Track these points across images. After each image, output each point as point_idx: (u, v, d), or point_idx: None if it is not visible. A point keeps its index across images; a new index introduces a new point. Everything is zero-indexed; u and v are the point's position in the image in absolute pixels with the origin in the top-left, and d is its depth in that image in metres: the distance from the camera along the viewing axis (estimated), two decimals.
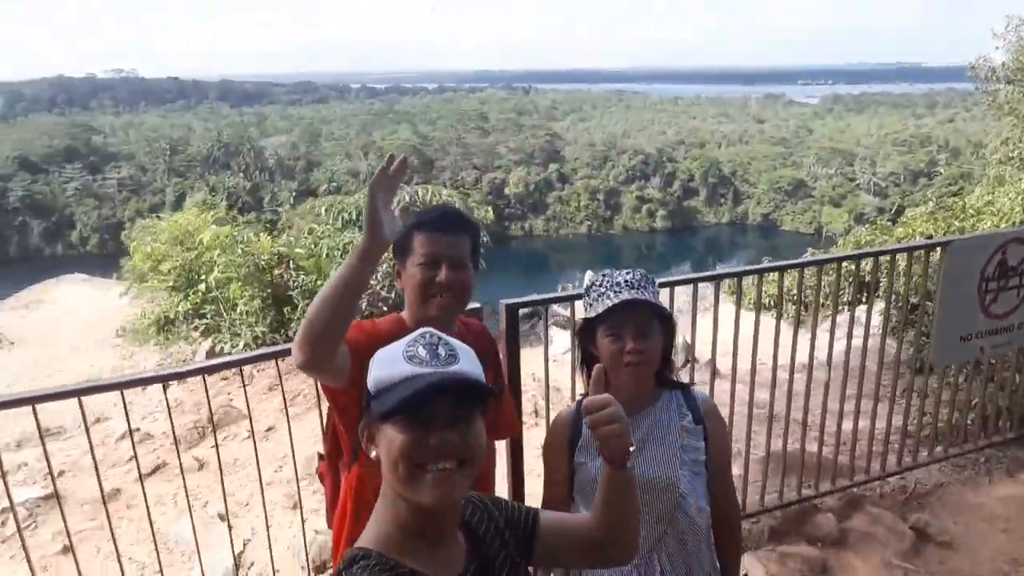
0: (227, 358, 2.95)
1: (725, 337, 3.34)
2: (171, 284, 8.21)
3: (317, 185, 70.62)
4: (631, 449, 1.41)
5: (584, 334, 2.05)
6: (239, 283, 7.28)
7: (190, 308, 7.76)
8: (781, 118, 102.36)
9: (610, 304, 1.92)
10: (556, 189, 75.03)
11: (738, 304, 3.37)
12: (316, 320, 1.65)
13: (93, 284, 10.63)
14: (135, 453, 2.97)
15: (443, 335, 1.29)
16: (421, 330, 1.29)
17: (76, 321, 9.15)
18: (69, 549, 4.45)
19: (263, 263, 7.26)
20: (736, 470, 4.12)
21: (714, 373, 3.66)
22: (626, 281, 1.96)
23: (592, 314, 1.98)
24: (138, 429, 5.71)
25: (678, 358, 7.64)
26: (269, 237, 7.80)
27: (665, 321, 2.00)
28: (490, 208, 9.18)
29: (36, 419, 2.31)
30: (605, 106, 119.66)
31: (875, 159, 72.04)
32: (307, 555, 3.57)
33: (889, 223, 9.76)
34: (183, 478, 3.18)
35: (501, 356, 2.64)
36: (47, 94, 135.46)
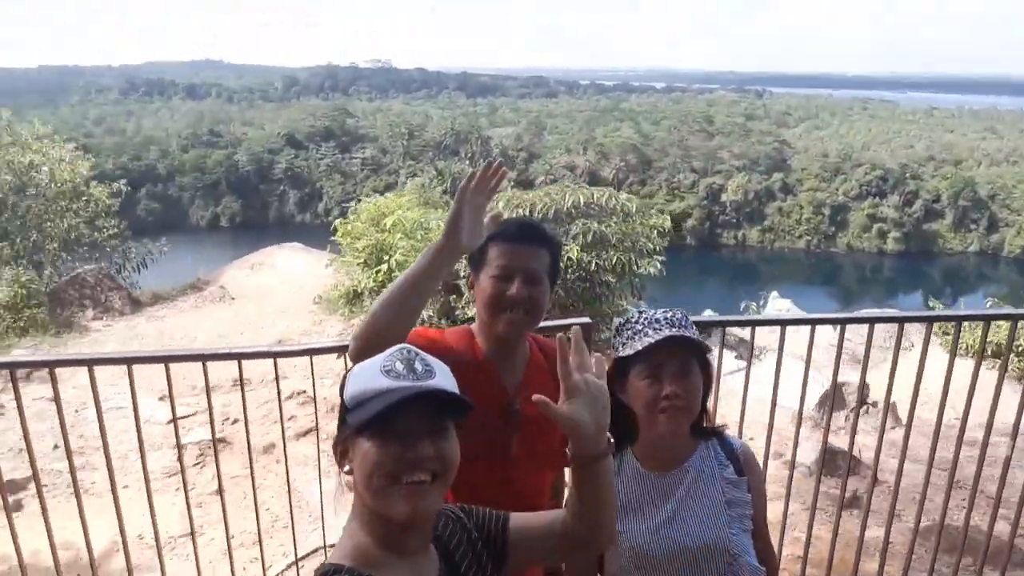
0: (338, 342, 3.10)
1: (910, 382, 2.96)
2: (363, 260, 8.90)
3: (535, 176, 72.83)
4: (607, 447, 1.37)
5: (614, 378, 1.84)
6: None
7: (375, 285, 8.35)
8: None
9: (650, 341, 1.74)
10: (777, 199, 70.60)
11: (952, 350, 2.91)
12: (379, 315, 1.67)
13: (308, 253, 11.91)
14: (281, 414, 3.22)
15: (420, 351, 1.28)
16: (399, 346, 1.29)
17: (287, 285, 10.29)
18: (223, 490, 4.99)
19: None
20: (899, 536, 3.63)
21: (883, 417, 3.21)
22: (666, 319, 1.80)
23: (628, 352, 1.80)
24: (304, 391, 6.25)
25: (850, 399, 6.87)
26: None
27: (705, 365, 1.82)
28: (668, 217, 8.84)
29: (168, 376, 2.60)
30: (846, 114, 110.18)
31: None
32: None
33: None
34: (318, 442, 3.42)
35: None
36: (317, 80, 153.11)
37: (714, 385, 3.01)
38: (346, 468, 1.26)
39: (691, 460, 1.87)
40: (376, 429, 1.19)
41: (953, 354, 2.93)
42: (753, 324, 3.34)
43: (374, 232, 8.71)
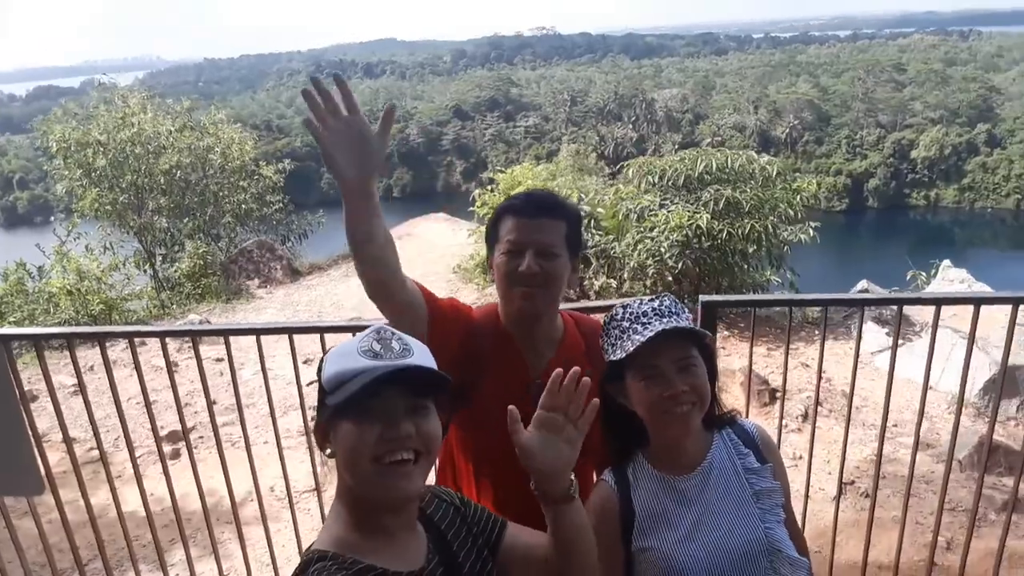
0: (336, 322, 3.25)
1: None
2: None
3: (701, 138, 70.07)
4: (565, 494, 1.33)
5: (608, 383, 1.68)
6: None
7: None
8: None
9: (640, 340, 1.56)
10: (980, 153, 62.57)
11: None
12: (362, 269, 1.70)
13: (450, 223, 12.32)
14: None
15: (397, 331, 1.28)
16: (376, 326, 1.29)
17: (431, 254, 10.77)
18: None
19: None
20: None
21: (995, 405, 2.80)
22: (654, 309, 1.62)
23: (619, 355, 1.62)
24: None
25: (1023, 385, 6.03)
26: (577, 192, 8.09)
27: (705, 349, 1.65)
28: (816, 182, 8.16)
29: (292, 345, 2.85)
30: None
31: None
32: None
33: None
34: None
35: None
36: (483, 51, 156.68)
37: (854, 363, 2.67)
38: (328, 451, 1.25)
39: (709, 456, 1.70)
40: (355, 410, 1.18)
41: None
42: (900, 303, 2.92)
43: (496, 201, 8.86)
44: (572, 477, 1.34)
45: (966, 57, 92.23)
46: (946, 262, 9.32)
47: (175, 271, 10.70)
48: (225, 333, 3.05)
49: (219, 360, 6.72)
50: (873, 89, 71.72)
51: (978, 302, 2.50)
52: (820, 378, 2.65)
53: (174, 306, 9.87)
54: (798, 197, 7.54)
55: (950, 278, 9.06)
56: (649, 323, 1.58)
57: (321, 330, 2.96)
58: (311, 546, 1.23)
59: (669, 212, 7.21)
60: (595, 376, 1.73)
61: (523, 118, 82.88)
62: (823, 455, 5.17)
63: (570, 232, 1.84)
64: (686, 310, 1.66)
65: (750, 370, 3.14)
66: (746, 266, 7.58)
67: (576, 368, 1.34)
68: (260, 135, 15.79)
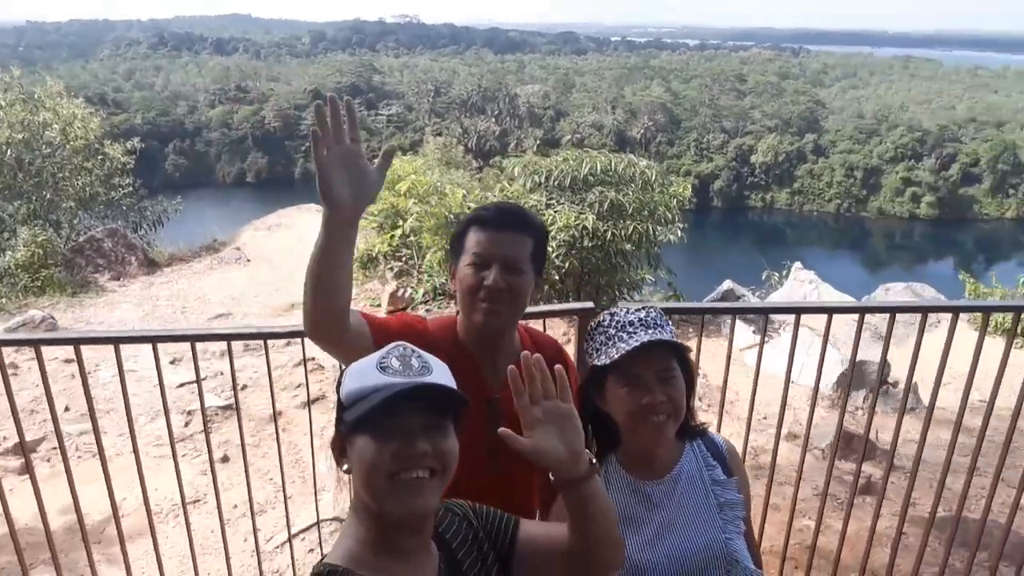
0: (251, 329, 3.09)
1: (933, 363, 2.78)
2: (378, 224, 8.82)
3: (562, 135, 72.02)
4: (589, 468, 1.31)
5: (590, 386, 1.73)
6: (430, 233, 7.61)
7: (389, 249, 8.29)
8: None
9: (626, 349, 1.61)
10: (808, 161, 69.02)
11: (980, 336, 2.74)
12: (306, 297, 1.59)
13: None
14: (308, 389, 3.17)
15: (417, 349, 1.27)
16: (395, 343, 1.27)
17: (303, 247, 10.25)
18: (227, 459, 5.03)
19: (452, 216, 7.50)
20: (913, 529, 3.52)
21: (903, 398, 3.06)
22: (640, 320, 1.67)
23: (603, 361, 1.67)
24: (313, 358, 6.24)
25: (870, 379, 6.69)
26: (462, 190, 8.01)
27: (685, 363, 1.70)
28: (690, 185, 8.61)
29: (156, 354, 2.53)
30: (885, 73, 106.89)
31: None
32: None
33: None
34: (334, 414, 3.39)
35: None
36: (344, 35, 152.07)
37: (727, 361, 2.88)
38: (344, 467, 1.24)
39: (679, 465, 1.76)
40: (373, 426, 1.18)
41: (980, 343, 2.75)
42: (766, 312, 3.14)
43: (388, 195, 8.60)
44: (588, 451, 1.33)
45: (797, 72, 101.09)
46: (797, 264, 10.25)
47: (8, 261, 9.46)
48: (76, 342, 2.65)
49: (68, 361, 6.05)
50: (718, 96, 76.92)
51: (831, 311, 2.80)
52: (698, 375, 2.85)
53: (4, 300, 8.75)
54: (674, 200, 7.90)
55: (800, 278, 9.95)
56: (635, 332, 1.63)
57: (191, 338, 2.73)
58: (322, 559, 1.23)
59: (556, 212, 7.33)
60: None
61: (386, 106, 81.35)
62: None
63: (536, 248, 1.81)
64: (669, 323, 1.71)
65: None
66: (626, 265, 7.84)
67: (524, 353, 1.32)
68: (95, 110, 14.29)
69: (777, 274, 10.40)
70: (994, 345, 2.80)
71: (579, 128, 72.71)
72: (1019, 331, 6.24)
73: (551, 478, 1.33)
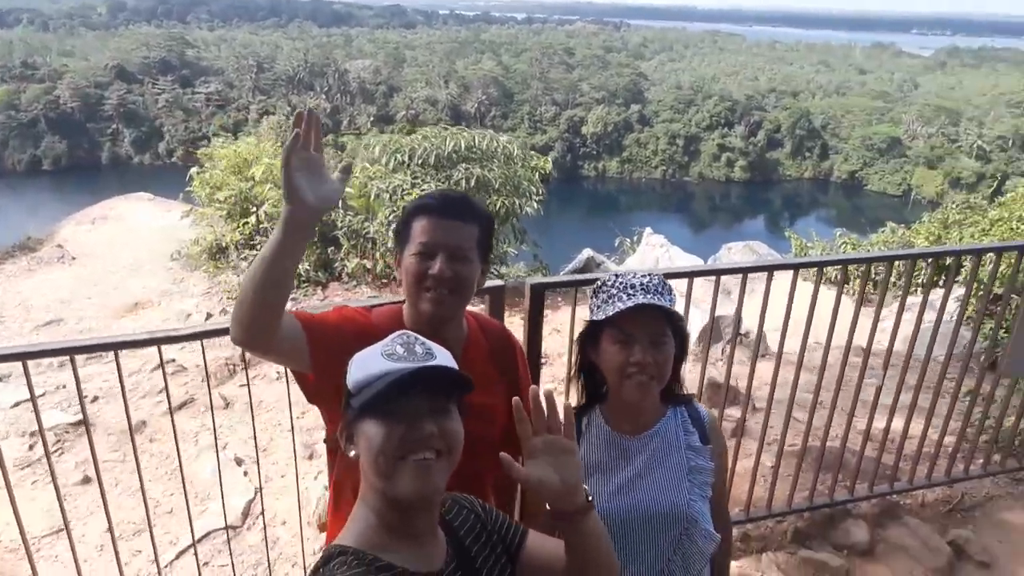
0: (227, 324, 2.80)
1: (779, 313, 3.04)
2: (227, 212, 8.22)
3: (396, 111, 70.84)
4: (584, 504, 1.33)
5: (587, 338, 1.82)
6: None
7: (241, 238, 7.77)
8: (886, 70, 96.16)
9: (621, 307, 1.69)
10: (635, 131, 73.00)
11: (815, 289, 3.01)
12: (244, 299, 1.53)
13: (157, 204, 10.79)
14: (169, 400, 2.86)
15: (420, 337, 1.31)
16: (399, 332, 1.32)
17: (137, 240, 9.34)
18: (90, 479, 4.53)
19: None
20: (768, 461, 3.85)
21: (755, 348, 3.32)
22: (641, 284, 1.73)
23: (600, 316, 1.74)
24: (173, 360, 5.75)
25: (726, 332, 7.25)
26: None
27: (679, 331, 1.78)
28: (549, 160, 8.81)
29: (27, 372, 2.19)
30: (698, 47, 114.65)
31: (984, 120, 67.01)
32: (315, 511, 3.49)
33: (983, 201, 8.92)
34: (212, 417, 3.11)
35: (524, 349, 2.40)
36: (147, 5, 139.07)
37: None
38: (352, 452, 1.27)
39: (658, 425, 1.86)
40: (379, 411, 1.21)
41: (815, 295, 3.07)
42: (717, 273, 3.25)
43: (236, 181, 8.03)
44: (584, 486, 1.35)
45: (619, 46, 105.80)
46: (648, 229, 10.82)
47: None
48: None
49: None
50: (548, 70, 78.94)
51: (691, 275, 3.04)
52: (572, 342, 3.00)
53: None
54: (536, 175, 8.03)
55: (652, 243, 10.51)
56: (634, 295, 1.70)
57: (23, 356, 2.41)
58: (333, 542, 1.27)
59: (422, 191, 7.18)
60: (498, 376, 1.89)
61: (203, 84, 75.62)
62: None
63: (482, 236, 1.79)
64: (672, 291, 1.77)
65: (571, 344, 3.22)
66: (495, 240, 7.87)
67: (533, 387, 1.36)
68: None
69: (629, 240, 10.95)
70: (826, 294, 3.15)
71: (413, 103, 71.83)
72: (844, 280, 6.95)
73: (547, 508, 1.34)
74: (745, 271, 3.01)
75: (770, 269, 3.07)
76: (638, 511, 1.79)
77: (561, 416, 1.33)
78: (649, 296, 1.70)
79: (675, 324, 1.76)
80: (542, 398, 1.32)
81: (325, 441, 2.06)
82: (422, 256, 1.72)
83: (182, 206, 10.07)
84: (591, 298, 1.82)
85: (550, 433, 1.32)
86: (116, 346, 2.48)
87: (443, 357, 1.28)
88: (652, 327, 1.72)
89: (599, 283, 1.81)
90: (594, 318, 1.77)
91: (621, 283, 1.75)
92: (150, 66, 75.77)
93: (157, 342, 2.52)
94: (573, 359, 1.97)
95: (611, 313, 1.70)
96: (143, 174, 61.11)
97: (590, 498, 1.35)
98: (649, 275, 1.77)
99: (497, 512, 1.46)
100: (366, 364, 1.25)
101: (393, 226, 6.96)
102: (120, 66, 74.36)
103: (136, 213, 10.47)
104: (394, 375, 1.20)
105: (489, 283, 2.68)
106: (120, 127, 71.20)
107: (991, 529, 3.59)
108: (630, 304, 1.68)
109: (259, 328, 1.56)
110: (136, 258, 8.90)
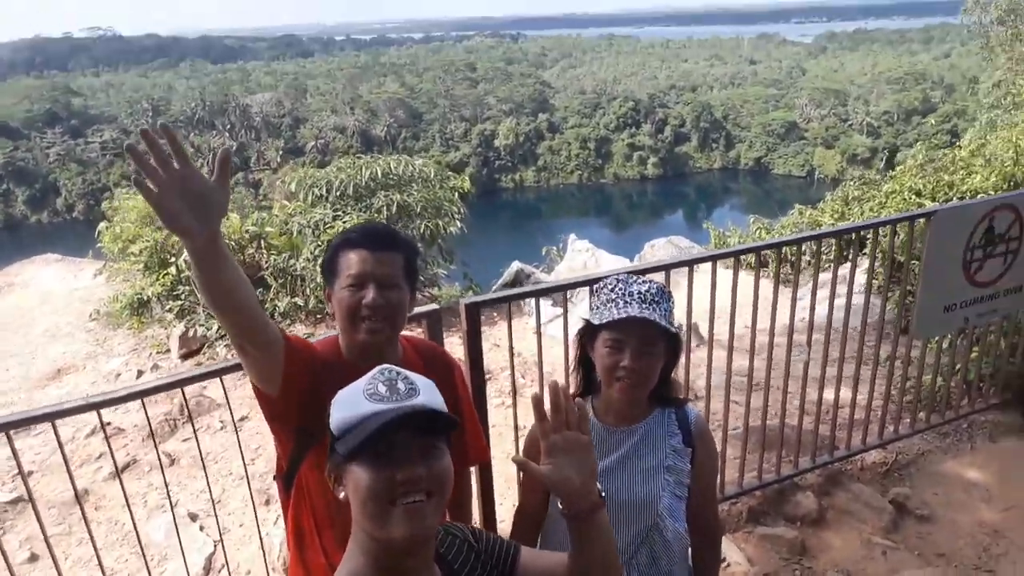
0: (167, 379, 2.79)
1: (706, 303, 3.21)
2: (144, 265, 7.97)
3: (304, 142, 69.68)
4: (599, 496, 1.35)
5: (586, 336, 1.93)
6: None
7: (163, 290, 7.55)
8: (774, 58, 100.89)
9: (616, 316, 1.79)
10: (546, 139, 74.12)
11: (734, 275, 3.19)
12: (218, 318, 1.62)
13: (66, 264, 10.29)
14: (112, 456, 2.80)
15: (402, 370, 1.28)
16: (380, 367, 1.28)
17: (49, 304, 8.92)
18: (37, 557, 4.36)
19: (233, 243, 7.03)
20: (733, 443, 4.04)
21: (687, 339, 3.52)
22: (640, 293, 1.83)
23: (596, 320, 1.85)
24: (109, 423, 5.57)
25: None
26: (238, 216, 7.52)
27: (671, 340, 1.87)
28: (467, 177, 8.92)
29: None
30: (595, 52, 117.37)
31: (868, 98, 71.17)
32: (278, 555, 3.46)
33: (878, 176, 9.52)
34: (163, 475, 3.05)
35: (463, 368, 2.49)
36: (23, 56, 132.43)
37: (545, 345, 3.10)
38: (341, 495, 1.24)
39: (644, 423, 1.95)
40: (367, 456, 1.18)
41: (735, 282, 3.28)
42: (583, 285, 3.38)
43: (150, 232, 7.80)
44: (597, 485, 1.36)
45: (520, 56, 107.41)
46: (572, 236, 11.05)
47: None
48: None
49: None
50: (453, 87, 79.19)
51: (668, 267, 3.15)
52: (513, 353, 3.11)
53: None
54: (456, 194, 8.12)
55: (578, 248, 10.75)
56: (630, 303, 1.80)
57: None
58: None
59: (345, 223, 7.16)
60: (448, 392, 1.84)
61: (96, 133, 72.42)
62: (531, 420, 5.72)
63: (408, 264, 1.87)
64: (669, 300, 1.87)
65: (511, 356, 3.31)
66: (424, 264, 7.91)
67: (552, 381, 1.36)
68: None
69: (556, 247, 11.18)
70: (748, 280, 3.36)
71: (321, 133, 70.87)
72: (761, 264, 7.32)
73: (560, 506, 1.35)
74: (668, 267, 3.14)
75: (691, 263, 3.25)
76: (611, 499, 1.82)
77: (575, 412, 1.32)
78: (645, 306, 1.79)
79: (668, 334, 1.84)
80: (560, 394, 1.30)
81: (275, 478, 2.08)
82: (353, 288, 1.78)
83: (93, 263, 9.67)
84: (592, 296, 1.97)
85: (568, 429, 1.31)
86: (53, 416, 2.40)
87: (426, 390, 1.26)
88: (643, 336, 1.80)
89: (601, 284, 1.92)
90: (591, 319, 1.88)
91: (620, 290, 1.84)
92: (35, 119, 72.10)
93: (96, 406, 2.46)
94: (572, 353, 2.03)
95: (606, 319, 1.80)
96: (43, 233, 58.13)
97: (603, 494, 1.36)
98: (648, 283, 1.86)
99: (487, 535, 1.45)
100: (349, 406, 1.23)
101: (319, 260, 6.90)
102: (3, 122, 70.45)
103: (44, 276, 9.96)
104: (378, 419, 1.18)
105: (424, 308, 2.77)
106: (11, 186, 67.37)
107: (927, 483, 3.84)
108: (623, 316, 1.78)
109: (244, 327, 1.63)
110: (52, 323, 8.51)
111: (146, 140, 1.35)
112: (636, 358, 1.81)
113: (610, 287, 1.87)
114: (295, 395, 1.78)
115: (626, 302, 1.81)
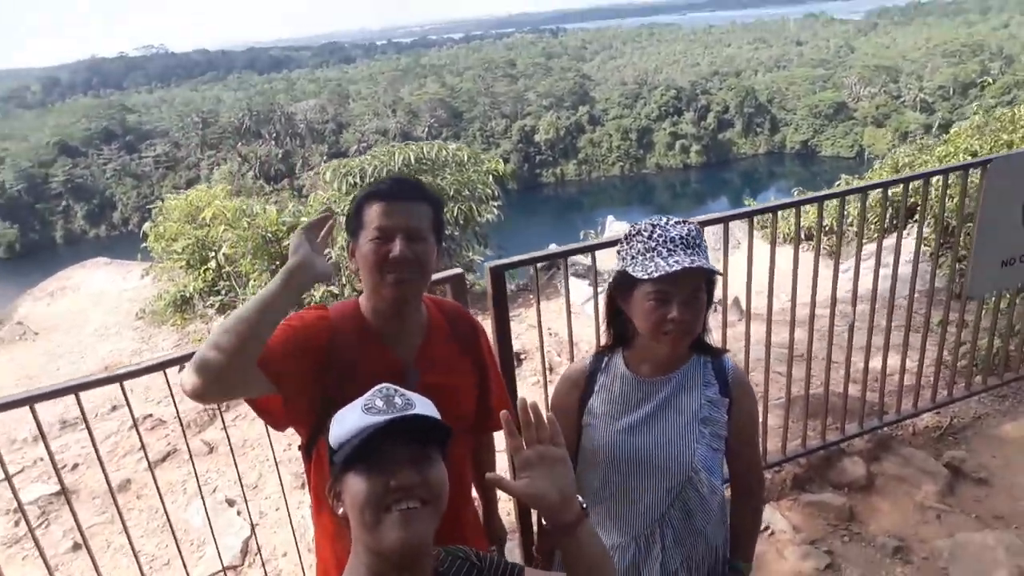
0: (189, 350, 2.75)
1: (742, 276, 3.08)
2: (186, 262, 8.13)
3: (347, 146, 70.69)
4: (580, 513, 1.32)
5: (618, 288, 1.76)
6: (249, 257, 7.14)
7: (204, 286, 7.68)
8: (821, 38, 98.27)
9: (665, 269, 1.61)
10: (587, 131, 73.64)
11: (772, 239, 3.03)
12: (222, 347, 1.48)
13: (115, 267, 10.58)
14: (142, 442, 2.80)
15: (399, 388, 1.30)
16: (378, 386, 1.30)
17: (99, 306, 9.17)
18: (80, 546, 4.43)
19: (270, 235, 7.09)
20: (776, 412, 3.85)
21: (725, 313, 3.34)
22: (681, 238, 1.66)
23: (640, 273, 1.65)
24: (150, 415, 5.66)
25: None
26: (274, 208, 7.60)
27: (710, 284, 1.75)
28: (501, 160, 8.83)
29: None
30: (636, 42, 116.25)
31: (922, 73, 68.73)
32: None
33: (932, 141, 9.09)
34: (192, 464, 3.04)
35: (489, 331, 2.38)
36: (82, 77, 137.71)
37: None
38: (340, 511, 1.26)
39: (680, 372, 1.83)
40: (360, 465, 1.20)
41: (773, 242, 3.10)
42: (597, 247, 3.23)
43: (191, 230, 7.94)
44: (579, 497, 1.35)
45: (560, 51, 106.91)
46: (610, 217, 10.94)
47: None
48: None
49: None
50: (492, 84, 79.37)
51: (702, 224, 3.02)
52: (541, 324, 2.96)
53: None
54: (490, 177, 8.03)
55: (616, 229, 10.64)
56: (675, 251, 1.64)
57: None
58: None
59: None
60: (461, 355, 1.91)
61: (149, 147, 74.87)
62: None
63: (435, 216, 1.79)
64: (705, 240, 1.73)
65: (540, 328, 3.21)
66: (457, 248, 7.87)
67: (522, 397, 1.36)
68: None
69: (593, 231, 11.03)
70: (786, 253, 3.18)
71: (364, 136, 71.74)
72: (802, 234, 7.02)
73: (543, 522, 1.37)
74: (701, 226, 3.01)
75: (725, 220, 3.02)
76: (643, 453, 1.78)
77: (546, 424, 1.31)
78: (690, 252, 1.64)
79: (710, 279, 1.72)
80: (529, 410, 1.30)
81: (300, 447, 2.06)
82: (380, 240, 1.69)
83: (140, 265, 9.93)
84: (622, 244, 1.75)
85: (540, 444, 1.31)
86: (77, 388, 2.42)
87: (423, 406, 1.27)
88: (690, 284, 1.66)
89: (633, 231, 1.73)
90: (631, 272, 1.68)
91: (660, 236, 1.66)
92: (92, 137, 74.85)
93: (119, 378, 2.45)
94: (602, 307, 1.91)
95: (652, 272, 1.63)
96: (101, 246, 60.13)
97: (583, 506, 1.34)
98: (686, 224, 1.70)
99: (492, 557, 1.43)
100: (346, 420, 1.25)
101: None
102: (62, 141, 73.38)
103: (94, 279, 10.27)
104: (371, 428, 1.20)
105: (447, 272, 2.67)
106: (71, 203, 70.12)
107: (984, 446, 3.64)
108: (674, 268, 1.61)
109: (228, 378, 1.52)
110: (101, 323, 8.75)
111: (324, 221, 1.71)
112: (685, 309, 1.66)
113: (647, 233, 1.69)
114: (304, 386, 1.71)
115: (670, 250, 1.64)
